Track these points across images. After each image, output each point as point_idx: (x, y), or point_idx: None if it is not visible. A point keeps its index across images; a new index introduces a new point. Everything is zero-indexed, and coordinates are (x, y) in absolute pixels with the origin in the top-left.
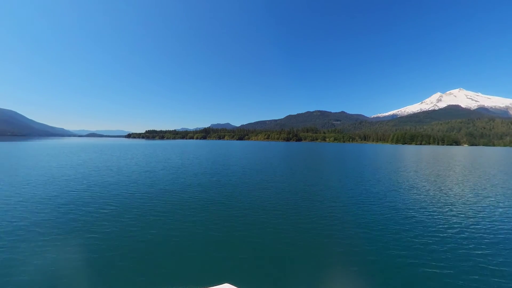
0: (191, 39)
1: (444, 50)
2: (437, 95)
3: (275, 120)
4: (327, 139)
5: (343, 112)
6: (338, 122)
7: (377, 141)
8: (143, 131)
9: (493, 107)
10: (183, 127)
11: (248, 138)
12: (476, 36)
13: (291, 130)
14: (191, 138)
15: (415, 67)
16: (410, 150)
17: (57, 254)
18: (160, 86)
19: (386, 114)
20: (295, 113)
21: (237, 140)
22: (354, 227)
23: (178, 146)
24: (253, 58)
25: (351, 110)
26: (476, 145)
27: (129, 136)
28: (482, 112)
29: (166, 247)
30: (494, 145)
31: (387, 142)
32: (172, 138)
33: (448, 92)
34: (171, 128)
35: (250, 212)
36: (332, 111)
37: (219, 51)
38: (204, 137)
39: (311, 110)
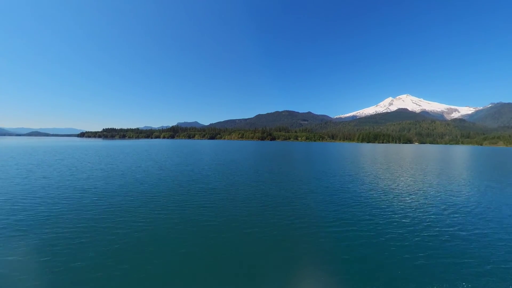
0: (156, 30)
1: (395, 59)
2: (389, 99)
3: (245, 119)
4: (299, 138)
5: (310, 112)
6: (306, 122)
7: (344, 140)
8: (100, 130)
9: (432, 111)
10: (147, 125)
11: (221, 137)
12: (420, 48)
13: (265, 130)
14: (158, 137)
15: (371, 73)
16: (377, 148)
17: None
18: (121, 79)
19: (347, 115)
20: (265, 113)
21: (208, 139)
22: (329, 225)
23: (145, 149)
24: (223, 55)
25: (317, 110)
26: (424, 143)
27: (83, 135)
28: (424, 115)
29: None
30: (437, 143)
31: (353, 140)
32: (136, 138)
33: (397, 97)
34: (134, 126)
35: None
36: (300, 111)
37: (186, 47)
38: (172, 136)
39: (280, 110)
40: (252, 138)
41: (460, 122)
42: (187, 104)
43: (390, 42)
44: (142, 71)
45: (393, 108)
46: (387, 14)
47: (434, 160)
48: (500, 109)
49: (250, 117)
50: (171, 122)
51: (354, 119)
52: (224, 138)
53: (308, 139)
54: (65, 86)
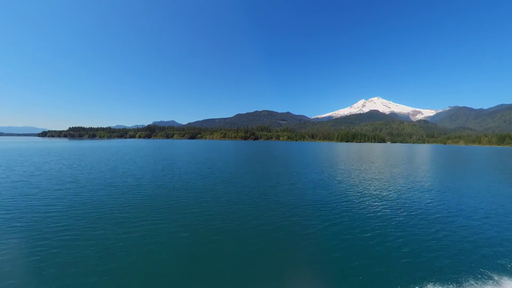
0: (129, 22)
1: (367, 62)
2: (362, 101)
3: (225, 119)
4: (281, 138)
5: (288, 112)
6: (285, 122)
7: (323, 139)
8: (66, 128)
9: (400, 113)
10: (120, 124)
11: (201, 137)
12: (390, 54)
13: (248, 129)
14: (133, 137)
15: (345, 76)
16: (358, 147)
17: None
18: (90, 71)
19: (324, 115)
20: (245, 112)
21: (188, 139)
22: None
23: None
24: (202, 54)
25: (296, 111)
26: (395, 142)
27: (45, 134)
28: (393, 116)
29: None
30: (407, 142)
31: (333, 140)
32: (107, 137)
33: (369, 99)
34: (105, 125)
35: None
36: (279, 111)
37: (161, 47)
38: (148, 136)
39: (260, 110)
40: (235, 137)
41: (424, 123)
42: (163, 103)
43: (364, 45)
44: (115, 64)
45: (366, 109)
46: (361, 18)
47: (413, 158)
48: (456, 112)
49: (229, 116)
50: (146, 121)
51: (330, 119)
52: (206, 138)
53: (290, 138)
54: (20, 76)
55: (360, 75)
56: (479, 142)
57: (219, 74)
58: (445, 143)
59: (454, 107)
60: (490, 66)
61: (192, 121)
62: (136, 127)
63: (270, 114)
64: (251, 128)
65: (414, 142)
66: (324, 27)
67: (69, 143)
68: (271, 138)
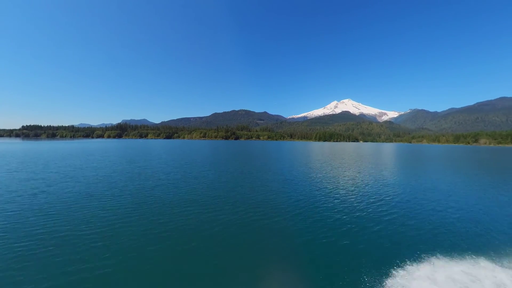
0: (97, 14)
1: (338, 67)
2: (334, 103)
3: (201, 118)
4: (261, 137)
5: (265, 112)
6: (262, 121)
7: (301, 139)
8: (19, 127)
9: (368, 114)
10: (84, 122)
11: (179, 137)
12: (360, 60)
13: (229, 129)
14: (101, 136)
15: (319, 77)
16: (338, 146)
17: None
18: (47, 63)
19: (299, 115)
20: (222, 111)
21: (164, 138)
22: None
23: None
24: (176, 52)
25: (272, 111)
26: (366, 141)
27: None
28: (363, 117)
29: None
30: (377, 141)
31: (311, 139)
32: (70, 137)
33: (341, 101)
34: (66, 124)
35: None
36: (256, 111)
37: (132, 41)
38: (119, 136)
39: (237, 109)
40: (216, 137)
41: (390, 124)
42: (134, 101)
43: (337, 50)
44: (77, 55)
45: (338, 110)
46: (334, 25)
47: (390, 155)
48: (416, 114)
49: (206, 115)
50: (114, 120)
51: (305, 119)
52: (184, 138)
53: (270, 138)
54: None
55: (333, 78)
56: (439, 141)
57: (195, 72)
58: (410, 142)
59: (414, 109)
60: (443, 74)
61: (166, 120)
62: (103, 126)
63: (247, 113)
64: (232, 128)
65: (383, 141)
66: (301, 31)
67: (21, 144)
68: (252, 137)
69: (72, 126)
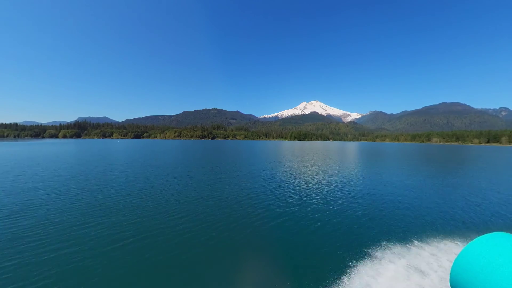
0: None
1: (308, 69)
2: (304, 104)
3: (170, 116)
4: (238, 137)
5: (238, 111)
6: (234, 121)
7: (277, 138)
8: None
9: (334, 115)
10: (29, 120)
11: (149, 136)
12: (327, 63)
13: (205, 128)
14: (54, 136)
15: (290, 79)
16: (316, 145)
17: None
18: None
19: (271, 115)
20: (192, 110)
21: (133, 138)
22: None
23: None
24: (143, 45)
25: (245, 110)
26: (336, 140)
27: None
28: (330, 118)
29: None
30: (345, 140)
31: (286, 139)
32: (14, 137)
33: (310, 102)
34: (7, 121)
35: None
36: (228, 110)
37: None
38: (77, 135)
39: (209, 108)
40: (192, 137)
41: (354, 124)
42: (91, 96)
43: (307, 53)
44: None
45: (307, 111)
46: (306, 28)
47: (363, 152)
48: (375, 116)
49: (175, 113)
50: (68, 117)
51: (277, 119)
52: (155, 137)
53: (247, 137)
54: None
55: (302, 79)
56: (398, 140)
57: (163, 68)
58: (375, 141)
59: (374, 111)
60: (397, 80)
61: (130, 118)
62: (55, 124)
63: (219, 112)
64: (208, 127)
65: (350, 140)
66: (273, 32)
67: None
68: (228, 137)
69: (16, 124)
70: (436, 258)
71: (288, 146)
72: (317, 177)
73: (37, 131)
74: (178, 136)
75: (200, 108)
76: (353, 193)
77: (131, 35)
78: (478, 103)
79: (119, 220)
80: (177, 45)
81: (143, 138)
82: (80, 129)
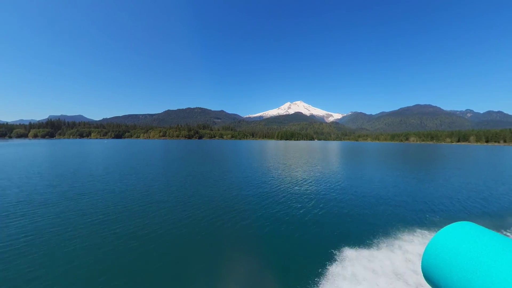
0: None
1: (292, 70)
2: (288, 104)
3: (151, 115)
4: (225, 137)
5: (222, 111)
6: (219, 120)
7: (264, 138)
8: None
9: (317, 115)
10: None
11: (131, 136)
12: (311, 64)
13: (192, 127)
14: (23, 136)
15: (274, 79)
16: (304, 144)
17: None
18: None
19: (256, 115)
20: (176, 108)
21: (113, 138)
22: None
23: None
24: (122, 36)
25: (229, 109)
26: (320, 140)
27: None
28: (313, 118)
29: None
30: (328, 139)
31: (273, 138)
32: None
33: (294, 102)
34: None
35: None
36: (213, 109)
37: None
38: (51, 135)
39: (192, 107)
40: (178, 136)
41: (336, 124)
42: (64, 94)
43: (292, 54)
44: None
45: (291, 111)
46: (290, 30)
47: (349, 151)
48: (356, 116)
49: (158, 112)
50: (37, 115)
51: (261, 119)
52: (138, 137)
53: (234, 137)
54: None
55: (286, 80)
56: (379, 139)
57: (144, 65)
58: (357, 140)
59: (355, 112)
60: (375, 82)
61: (108, 117)
62: (22, 123)
63: (203, 111)
64: (194, 126)
65: (334, 140)
66: (259, 31)
67: None
68: (215, 136)
69: None
70: (413, 246)
71: (279, 145)
72: (307, 175)
73: (2, 131)
74: (163, 136)
75: (184, 107)
76: (338, 191)
77: (109, 25)
78: (447, 105)
79: (97, 222)
80: (159, 40)
81: (125, 138)
82: (53, 128)
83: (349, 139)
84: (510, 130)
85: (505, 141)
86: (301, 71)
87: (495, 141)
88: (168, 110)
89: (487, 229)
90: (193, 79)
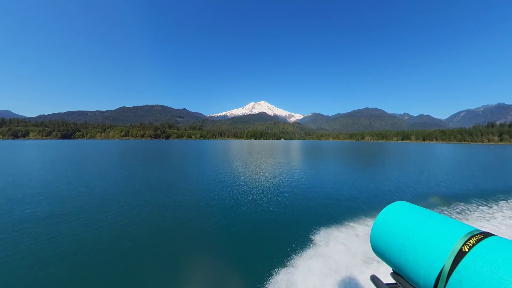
0: None
1: (256, 70)
2: (252, 103)
3: (102, 112)
4: (193, 136)
5: (185, 109)
6: (182, 119)
7: (232, 137)
8: None
9: (280, 115)
10: None
11: (83, 136)
12: (275, 65)
13: (158, 127)
14: None
15: (238, 78)
16: (277, 144)
17: None
18: None
19: (220, 114)
20: (132, 105)
21: (60, 138)
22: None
23: None
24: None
25: (192, 108)
26: (286, 139)
27: None
28: (277, 118)
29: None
30: (293, 139)
31: (242, 138)
32: None
33: (258, 102)
34: None
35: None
36: (175, 107)
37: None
38: None
39: (152, 104)
40: (143, 136)
41: (299, 124)
42: None
43: (256, 54)
44: None
45: (256, 111)
46: (257, 31)
47: (318, 149)
48: (315, 117)
49: (110, 109)
50: None
51: (226, 118)
52: (93, 137)
53: (202, 137)
54: None
55: (250, 79)
56: (338, 138)
57: (90, 54)
58: (320, 139)
59: (314, 113)
60: (330, 85)
61: (47, 113)
62: None
63: (164, 109)
64: (160, 126)
65: (298, 139)
66: (221, 27)
67: None
68: (182, 136)
69: None
70: (365, 227)
71: (253, 145)
72: (278, 173)
73: None
74: (126, 136)
75: (141, 104)
76: (302, 185)
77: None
78: (390, 108)
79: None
80: (111, 26)
81: (75, 138)
82: None
83: (312, 138)
84: (440, 131)
85: (436, 139)
86: (265, 72)
87: (429, 140)
88: (123, 106)
89: (417, 206)
90: (151, 74)
